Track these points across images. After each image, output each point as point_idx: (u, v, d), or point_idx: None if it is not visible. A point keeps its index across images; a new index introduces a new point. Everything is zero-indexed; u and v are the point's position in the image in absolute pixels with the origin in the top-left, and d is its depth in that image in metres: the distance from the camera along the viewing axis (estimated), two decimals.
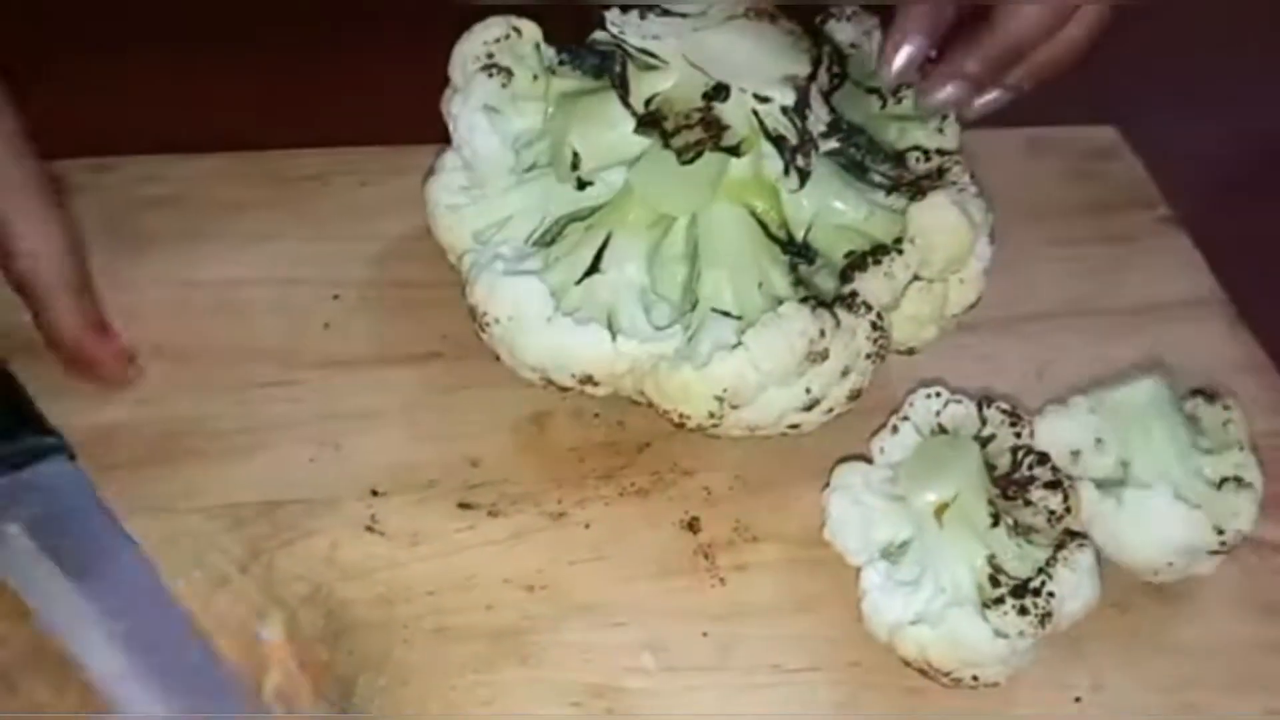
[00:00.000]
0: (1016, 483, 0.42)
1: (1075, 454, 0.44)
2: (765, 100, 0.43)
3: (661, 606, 0.43)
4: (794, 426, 0.44)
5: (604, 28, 0.45)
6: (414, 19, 0.52)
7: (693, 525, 0.45)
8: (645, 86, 0.44)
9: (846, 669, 0.41)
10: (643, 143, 0.44)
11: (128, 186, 0.55)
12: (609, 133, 0.45)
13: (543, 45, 0.48)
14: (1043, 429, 0.45)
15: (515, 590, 0.43)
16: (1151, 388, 0.43)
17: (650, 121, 0.43)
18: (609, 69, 0.45)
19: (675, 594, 0.43)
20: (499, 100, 0.46)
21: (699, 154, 0.43)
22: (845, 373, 0.43)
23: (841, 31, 0.50)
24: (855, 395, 0.44)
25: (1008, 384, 0.49)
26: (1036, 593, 0.39)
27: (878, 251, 0.44)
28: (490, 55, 0.47)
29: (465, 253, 0.46)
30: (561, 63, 0.48)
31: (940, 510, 0.40)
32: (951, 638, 0.38)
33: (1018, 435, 0.43)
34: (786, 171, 0.43)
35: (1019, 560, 0.40)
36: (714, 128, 0.43)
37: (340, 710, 0.39)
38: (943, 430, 0.43)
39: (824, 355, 0.42)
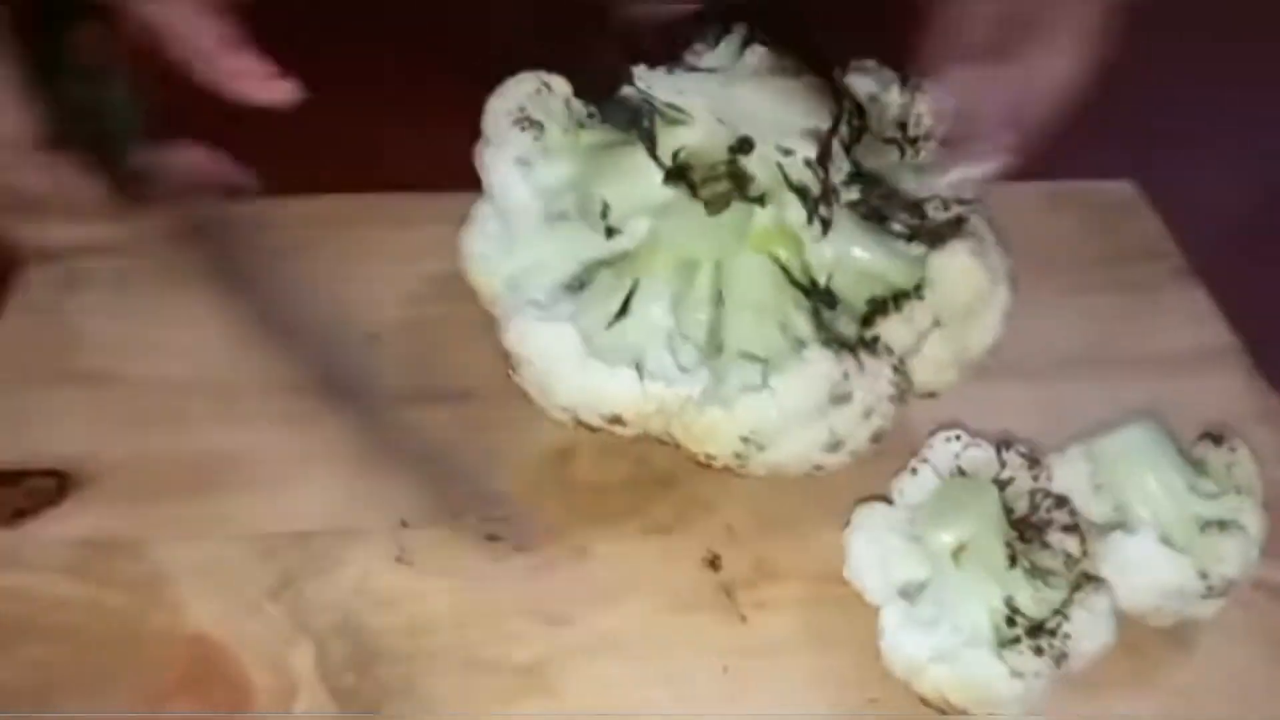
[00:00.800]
0: (1035, 525, 0.42)
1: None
2: (788, 153, 0.44)
3: (682, 642, 0.43)
4: (818, 468, 0.44)
5: (633, 84, 0.46)
6: (459, 69, 0.54)
7: (714, 562, 0.46)
8: (672, 140, 0.45)
9: (865, 706, 0.41)
10: (668, 193, 0.45)
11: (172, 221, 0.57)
12: (637, 184, 0.46)
13: (572, 100, 0.50)
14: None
15: (539, 623, 0.43)
16: (1142, 433, 0.44)
17: (678, 174, 0.45)
18: (637, 123, 0.46)
19: (696, 629, 0.44)
20: (530, 153, 0.48)
21: (726, 204, 0.44)
22: (868, 414, 0.44)
23: (862, 84, 0.51)
24: (878, 437, 0.44)
25: (1024, 430, 0.50)
26: (1053, 634, 0.39)
27: (900, 297, 0.45)
28: (522, 109, 0.48)
29: (498, 297, 0.47)
30: (590, 116, 0.49)
31: (958, 551, 0.41)
32: (968, 677, 0.39)
33: (1035, 479, 0.43)
34: (810, 220, 0.45)
35: (1036, 602, 0.40)
36: (739, 179, 0.45)
37: None
38: (962, 473, 0.44)
39: (847, 397, 0.43)
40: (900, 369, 0.44)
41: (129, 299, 0.54)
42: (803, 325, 0.45)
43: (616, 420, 0.44)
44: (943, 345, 0.46)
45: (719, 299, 0.46)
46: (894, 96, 0.51)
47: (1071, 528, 0.42)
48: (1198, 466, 0.45)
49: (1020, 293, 0.57)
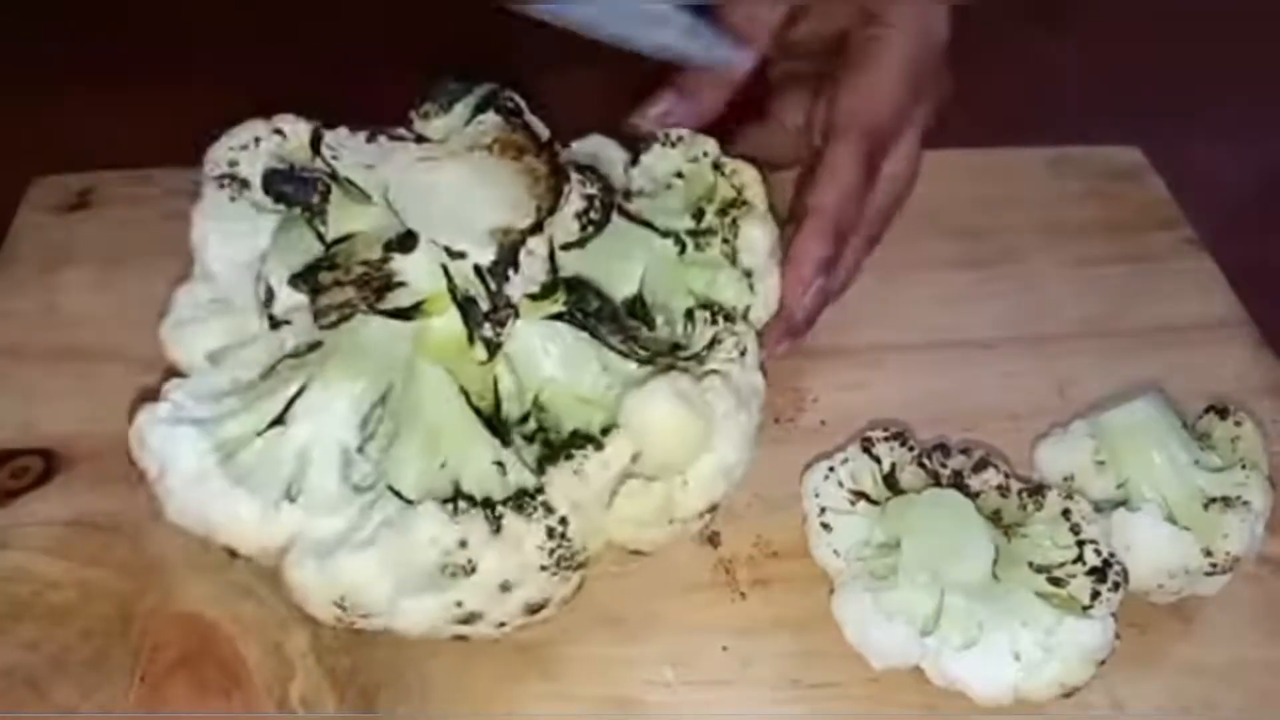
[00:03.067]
0: (1019, 524, 0.42)
1: (1069, 479, 0.44)
2: (459, 255, 0.37)
3: (682, 621, 0.43)
4: (462, 637, 0.38)
5: (313, 144, 0.40)
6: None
7: (713, 540, 0.45)
8: (343, 222, 0.39)
9: (865, 684, 0.41)
10: None
11: (166, 199, 0.56)
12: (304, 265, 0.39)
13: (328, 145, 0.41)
14: (1044, 453, 0.45)
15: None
16: (1146, 407, 0.43)
17: (306, 273, 0.38)
18: (300, 198, 0.39)
19: (696, 608, 0.43)
20: (231, 213, 0.41)
21: (343, 318, 0.37)
22: (507, 588, 0.37)
23: (665, 160, 0.45)
24: (535, 608, 0.38)
25: (1028, 403, 0.50)
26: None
27: (575, 443, 0.37)
28: (233, 164, 0.42)
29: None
30: (266, 190, 0.41)
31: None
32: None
33: (1005, 478, 0.42)
34: (471, 340, 0.38)
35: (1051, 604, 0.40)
36: (373, 286, 0.37)
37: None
38: (897, 488, 0.43)
39: (469, 568, 0.36)
40: (559, 531, 0.37)
41: (119, 276, 0.53)
42: (481, 464, 0.37)
43: (233, 553, 0.38)
44: (641, 500, 0.39)
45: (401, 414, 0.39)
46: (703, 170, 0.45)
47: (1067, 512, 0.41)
48: (1203, 440, 0.44)
49: (1024, 262, 0.57)
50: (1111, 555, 0.40)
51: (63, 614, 0.42)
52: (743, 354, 0.41)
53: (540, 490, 0.37)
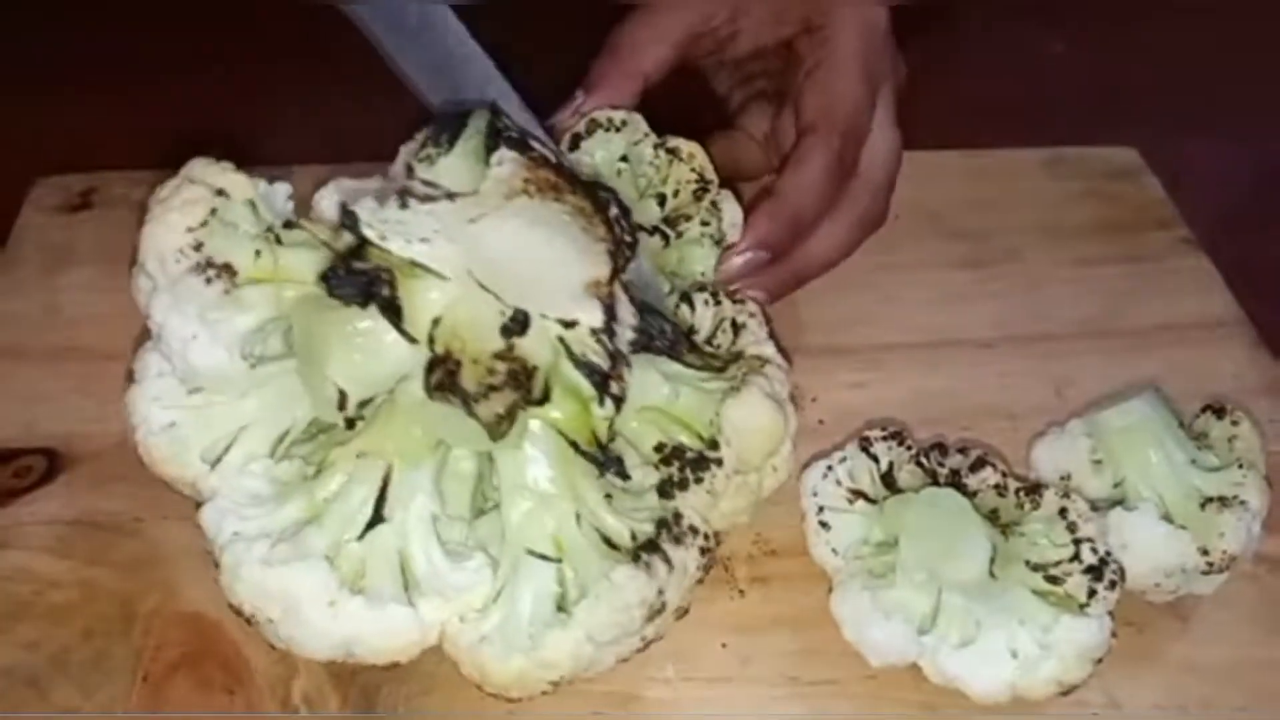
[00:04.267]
0: (1016, 523, 0.42)
1: (1065, 478, 0.44)
2: (571, 325, 0.36)
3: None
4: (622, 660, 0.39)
5: (352, 228, 0.36)
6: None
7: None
8: (420, 304, 0.36)
9: (863, 682, 0.41)
10: (418, 358, 0.36)
11: None
12: (378, 361, 0.36)
13: (260, 200, 0.39)
14: (1042, 452, 0.45)
15: None
16: (1143, 407, 0.43)
17: (446, 383, 0.35)
18: (376, 296, 0.36)
19: (695, 605, 0.43)
20: (219, 305, 0.37)
21: (513, 422, 0.35)
22: (679, 611, 0.38)
23: (608, 146, 0.46)
24: (684, 612, 0.39)
25: (1025, 402, 0.50)
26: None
27: (696, 466, 0.38)
28: (198, 246, 0.38)
29: (197, 478, 0.38)
30: (331, 293, 0.36)
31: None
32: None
33: (1003, 476, 0.42)
34: (601, 402, 0.37)
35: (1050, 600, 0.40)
36: (522, 381, 0.35)
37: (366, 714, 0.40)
38: (895, 487, 0.43)
39: (663, 608, 0.37)
40: (708, 546, 0.38)
41: (121, 276, 0.53)
42: (594, 502, 0.37)
43: (394, 665, 0.37)
44: (739, 495, 0.40)
45: (484, 475, 0.38)
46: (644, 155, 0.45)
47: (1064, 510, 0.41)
48: (1200, 439, 0.45)
49: (1022, 262, 0.57)
50: (1108, 554, 0.40)
51: (64, 613, 0.42)
52: (769, 334, 0.42)
53: (679, 515, 0.38)
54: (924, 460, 0.43)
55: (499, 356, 0.35)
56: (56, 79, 0.66)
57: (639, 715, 0.40)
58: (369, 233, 0.36)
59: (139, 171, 0.58)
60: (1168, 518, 0.42)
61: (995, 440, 0.48)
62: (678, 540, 0.37)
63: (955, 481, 0.42)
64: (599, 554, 0.37)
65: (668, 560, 0.37)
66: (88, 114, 0.63)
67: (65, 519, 0.45)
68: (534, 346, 0.36)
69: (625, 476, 0.38)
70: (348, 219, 0.36)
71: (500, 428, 0.35)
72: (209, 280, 0.37)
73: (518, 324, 0.36)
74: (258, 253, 0.38)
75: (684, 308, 0.43)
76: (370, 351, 0.36)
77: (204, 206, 0.38)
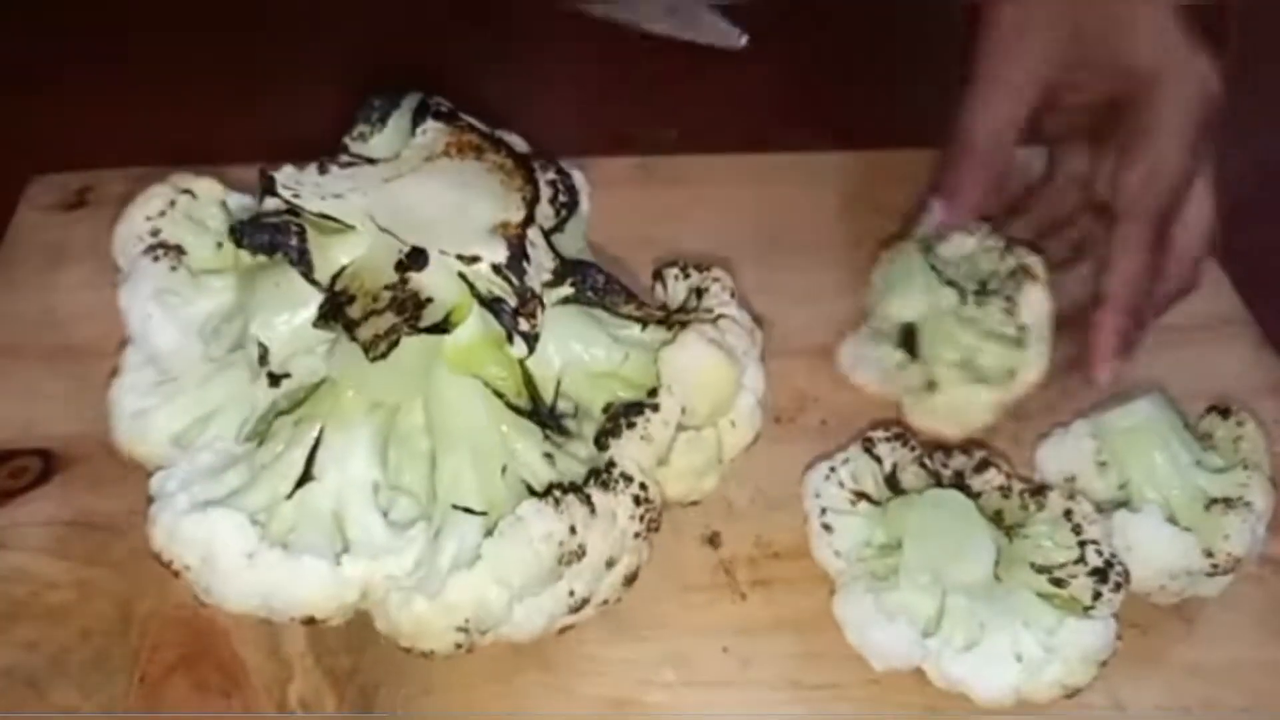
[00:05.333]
0: (1021, 524, 0.41)
1: (1070, 479, 0.44)
2: (472, 260, 0.37)
3: (682, 621, 0.43)
4: (566, 628, 0.39)
5: (268, 190, 0.37)
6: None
7: (714, 540, 0.45)
8: (332, 256, 0.37)
9: (866, 685, 0.41)
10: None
11: None
12: (297, 315, 0.38)
13: (231, 202, 0.42)
14: (1046, 454, 0.45)
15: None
16: (1148, 408, 0.43)
17: (332, 311, 0.36)
18: (282, 245, 0.37)
19: (696, 609, 0.43)
20: (173, 283, 0.39)
21: (393, 344, 0.36)
22: (611, 563, 0.37)
23: (961, 247, 0.48)
24: (632, 578, 0.39)
25: (1029, 404, 0.49)
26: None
27: (630, 411, 0.38)
28: (155, 233, 0.40)
29: (165, 462, 0.39)
30: (239, 244, 0.38)
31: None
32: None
33: (1007, 478, 0.42)
34: (510, 339, 0.37)
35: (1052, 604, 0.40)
36: (408, 307, 0.36)
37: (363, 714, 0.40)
38: (898, 488, 0.43)
39: (580, 553, 0.36)
40: (644, 496, 0.38)
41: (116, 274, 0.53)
42: (531, 457, 0.38)
43: (310, 621, 0.37)
44: (694, 451, 0.40)
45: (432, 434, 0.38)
46: None
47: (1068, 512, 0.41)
48: (1205, 440, 0.44)
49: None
50: (1113, 556, 0.40)
51: (62, 614, 0.42)
52: (731, 295, 0.41)
53: (612, 463, 0.37)
54: (927, 461, 0.43)
55: (388, 288, 0.36)
56: (55, 77, 0.66)
57: (639, 718, 0.40)
58: (283, 193, 0.37)
59: (135, 169, 0.58)
60: (1173, 519, 0.42)
61: (999, 441, 0.47)
62: (605, 486, 0.37)
63: (959, 483, 0.42)
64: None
65: (589, 503, 0.36)
66: (87, 113, 0.63)
67: (62, 519, 0.45)
68: (434, 281, 0.37)
69: (564, 432, 0.39)
70: (266, 183, 0.38)
71: (377, 347, 0.35)
72: (156, 258, 0.40)
73: (412, 259, 0.37)
74: (219, 244, 0.40)
75: (657, 285, 0.43)
76: (287, 306, 0.38)
77: (163, 200, 0.41)
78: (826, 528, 0.42)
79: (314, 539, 0.36)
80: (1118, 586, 0.39)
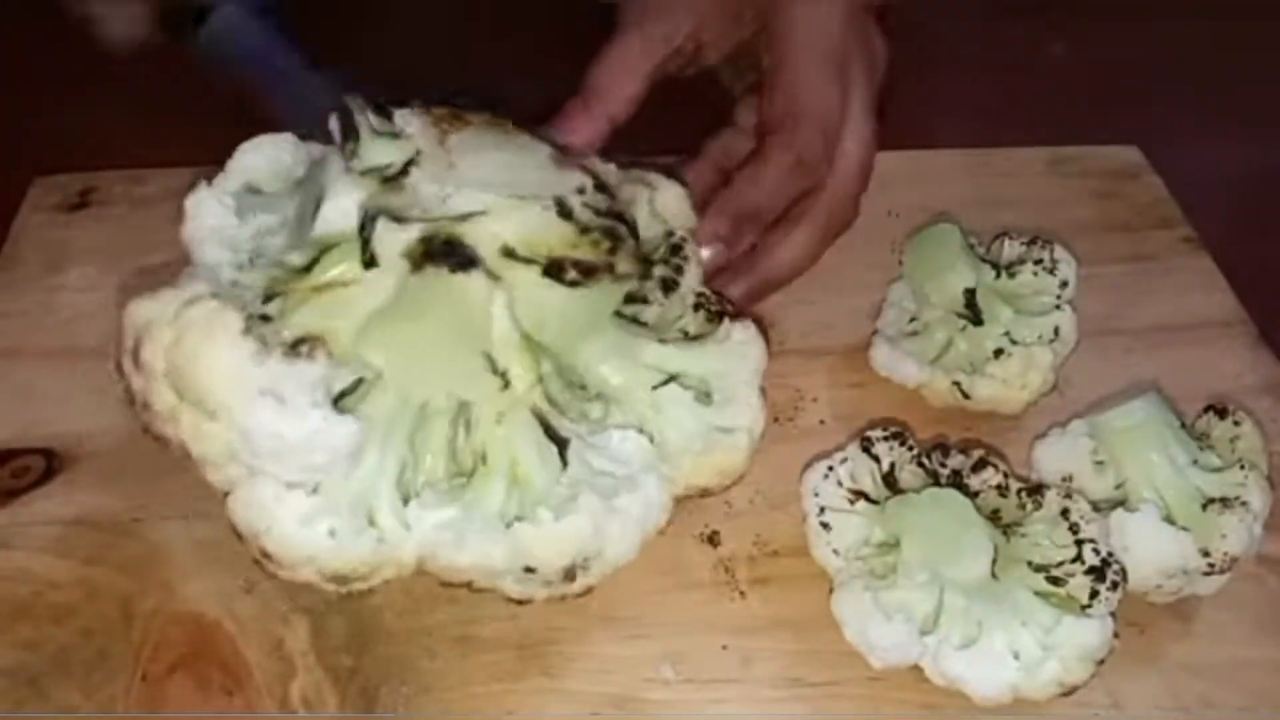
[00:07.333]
0: (1018, 523, 0.42)
1: (1067, 479, 0.44)
2: (579, 190, 0.40)
3: (682, 619, 0.43)
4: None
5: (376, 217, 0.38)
6: None
7: (713, 539, 0.45)
8: (489, 239, 0.38)
9: (866, 683, 0.41)
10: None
11: (166, 199, 0.56)
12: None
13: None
14: (1043, 453, 0.45)
15: (538, 602, 0.43)
16: (1145, 408, 0.43)
17: (554, 275, 0.38)
18: (466, 256, 0.38)
19: (696, 607, 0.43)
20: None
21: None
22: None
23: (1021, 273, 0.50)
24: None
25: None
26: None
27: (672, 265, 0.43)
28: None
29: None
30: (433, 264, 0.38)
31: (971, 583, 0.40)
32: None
33: (1004, 477, 0.42)
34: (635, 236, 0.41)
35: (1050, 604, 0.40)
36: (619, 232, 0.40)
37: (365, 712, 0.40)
38: (897, 487, 0.43)
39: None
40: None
41: (119, 275, 0.53)
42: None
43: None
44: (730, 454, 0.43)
45: (458, 409, 0.39)
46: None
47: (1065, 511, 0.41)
48: (1202, 440, 0.44)
49: None
50: (1110, 555, 0.40)
51: (64, 613, 0.42)
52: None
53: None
54: (925, 461, 0.43)
55: (582, 234, 0.39)
56: (55, 79, 0.66)
57: (639, 717, 0.40)
58: (412, 213, 0.37)
59: (138, 170, 0.58)
60: (1170, 519, 0.42)
61: (996, 441, 0.48)
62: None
63: (957, 482, 0.42)
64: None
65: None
66: (87, 114, 0.63)
67: (64, 519, 0.45)
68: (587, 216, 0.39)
69: (564, 463, 0.39)
70: (382, 217, 0.37)
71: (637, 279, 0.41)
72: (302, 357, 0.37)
73: (568, 208, 0.39)
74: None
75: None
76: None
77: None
78: (825, 526, 0.42)
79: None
80: (1115, 585, 0.39)
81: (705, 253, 0.46)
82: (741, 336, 0.43)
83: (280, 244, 0.40)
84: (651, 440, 0.41)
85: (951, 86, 0.69)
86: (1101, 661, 0.39)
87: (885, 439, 0.43)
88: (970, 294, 0.48)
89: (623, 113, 0.49)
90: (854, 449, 0.44)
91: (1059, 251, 0.49)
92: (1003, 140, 0.63)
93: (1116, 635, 0.40)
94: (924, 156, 0.61)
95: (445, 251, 0.37)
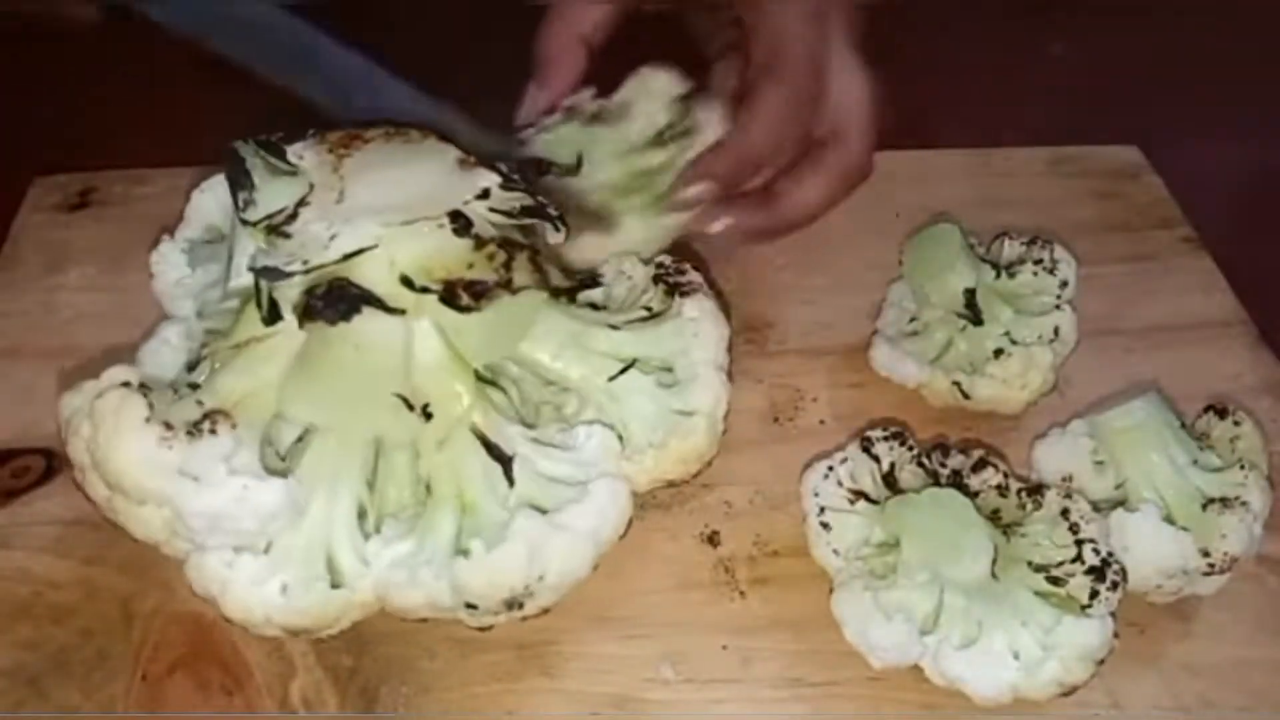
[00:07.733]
0: (1018, 523, 0.42)
1: (1067, 479, 0.44)
2: (483, 195, 0.39)
3: (682, 619, 0.43)
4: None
5: (273, 278, 0.38)
6: None
7: (713, 539, 0.45)
8: (381, 277, 0.38)
9: (866, 683, 0.41)
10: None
11: (166, 199, 0.56)
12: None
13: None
14: (1043, 453, 0.45)
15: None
16: (1146, 408, 0.43)
17: (448, 302, 0.38)
18: (351, 299, 0.37)
19: (695, 607, 0.43)
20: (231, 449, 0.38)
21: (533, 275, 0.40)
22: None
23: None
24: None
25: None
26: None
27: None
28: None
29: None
30: (314, 319, 0.38)
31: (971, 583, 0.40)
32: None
33: (1004, 477, 0.42)
34: (556, 227, 0.40)
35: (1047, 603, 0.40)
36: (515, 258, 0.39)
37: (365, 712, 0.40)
38: (896, 487, 0.43)
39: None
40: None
41: (119, 275, 0.53)
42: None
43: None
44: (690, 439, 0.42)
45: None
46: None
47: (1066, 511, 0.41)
48: (1202, 440, 0.44)
49: None
50: (1110, 555, 0.40)
51: (64, 613, 0.42)
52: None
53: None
54: (925, 461, 0.43)
55: (478, 249, 0.38)
56: (56, 79, 0.66)
57: (639, 716, 0.40)
58: (292, 268, 0.37)
59: (138, 170, 0.58)
60: (1169, 519, 0.42)
61: (997, 441, 0.48)
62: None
63: (957, 482, 0.42)
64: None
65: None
66: (87, 114, 0.63)
67: (64, 519, 0.45)
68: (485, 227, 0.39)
69: (510, 482, 0.39)
70: (266, 275, 0.37)
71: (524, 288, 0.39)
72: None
73: (458, 222, 0.38)
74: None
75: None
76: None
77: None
78: (825, 526, 0.42)
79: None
80: (1115, 585, 0.39)
81: (694, 189, 0.46)
82: (698, 312, 0.43)
83: (217, 296, 0.41)
84: (617, 434, 0.40)
85: (951, 86, 0.69)
86: (1101, 661, 0.39)
87: (885, 439, 0.43)
88: (970, 294, 0.48)
89: (596, 34, 0.49)
90: (854, 449, 0.44)
91: (1059, 251, 0.49)
92: (1003, 140, 0.63)
93: (1116, 635, 0.40)
94: (924, 156, 0.61)
95: (327, 302, 0.37)
